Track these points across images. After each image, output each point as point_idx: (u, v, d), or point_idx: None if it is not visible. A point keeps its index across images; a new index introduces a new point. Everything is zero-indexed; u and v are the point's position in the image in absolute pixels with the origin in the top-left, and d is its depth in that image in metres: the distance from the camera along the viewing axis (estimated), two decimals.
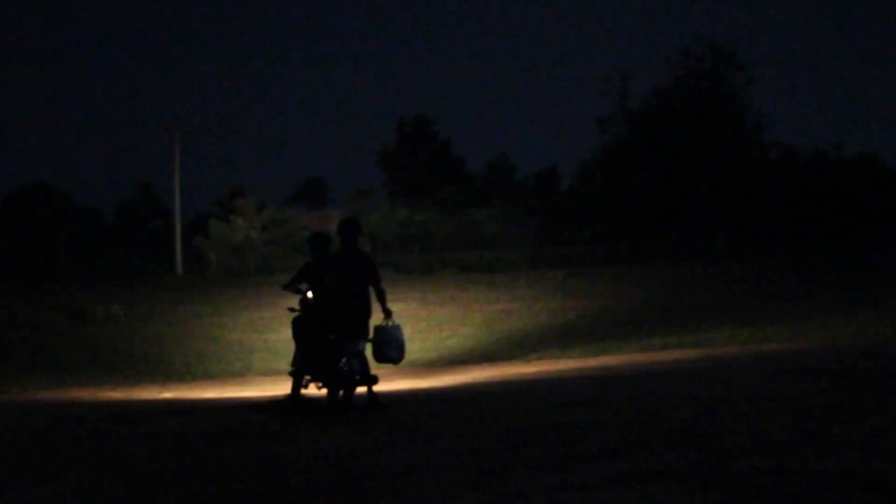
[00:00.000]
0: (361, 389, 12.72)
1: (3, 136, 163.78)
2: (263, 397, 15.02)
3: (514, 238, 69.49)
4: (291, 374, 13.62)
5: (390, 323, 12.82)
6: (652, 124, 65.44)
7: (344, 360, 12.54)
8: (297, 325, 13.67)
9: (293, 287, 13.66)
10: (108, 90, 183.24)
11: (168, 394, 17.28)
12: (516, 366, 19.39)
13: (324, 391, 12.96)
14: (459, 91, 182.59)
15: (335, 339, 12.69)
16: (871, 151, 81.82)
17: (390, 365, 13.20)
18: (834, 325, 21.73)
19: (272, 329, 27.94)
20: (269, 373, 20.56)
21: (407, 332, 13.87)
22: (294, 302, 13.76)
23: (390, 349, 12.80)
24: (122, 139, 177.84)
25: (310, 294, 13.49)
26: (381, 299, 12.85)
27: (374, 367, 12.92)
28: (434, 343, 25.33)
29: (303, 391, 13.48)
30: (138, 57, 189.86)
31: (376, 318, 12.76)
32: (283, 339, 22.41)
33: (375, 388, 12.84)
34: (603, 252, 62.25)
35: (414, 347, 19.76)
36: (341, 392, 12.50)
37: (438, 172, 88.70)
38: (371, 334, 12.75)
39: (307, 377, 13.39)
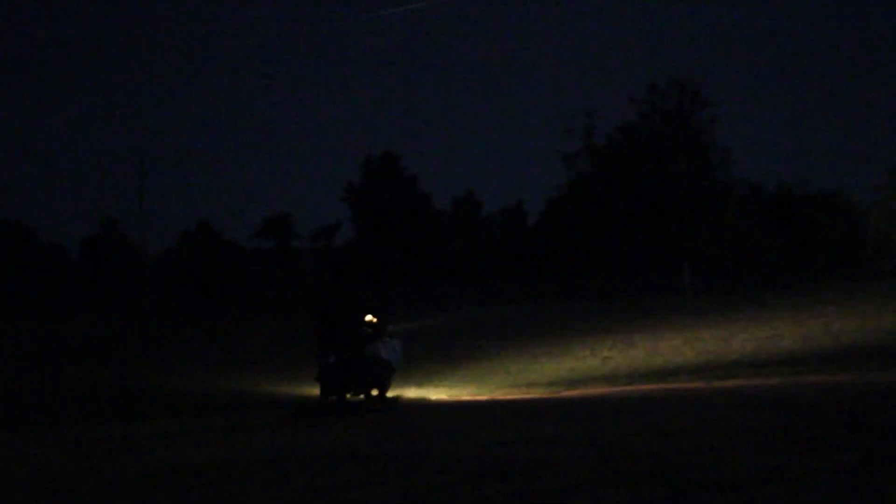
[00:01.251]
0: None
1: None
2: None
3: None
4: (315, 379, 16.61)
5: (379, 342, 16.43)
6: (617, 160, 65.71)
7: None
8: None
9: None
10: (72, 126, 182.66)
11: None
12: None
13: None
14: (425, 128, 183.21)
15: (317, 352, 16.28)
16: (835, 187, 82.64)
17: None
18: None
19: None
20: None
21: None
22: None
23: (371, 363, 16.29)
24: (86, 175, 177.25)
25: None
26: (372, 325, 16.59)
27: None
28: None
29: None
30: (102, 92, 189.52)
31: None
32: None
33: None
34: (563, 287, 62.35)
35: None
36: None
37: (405, 208, 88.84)
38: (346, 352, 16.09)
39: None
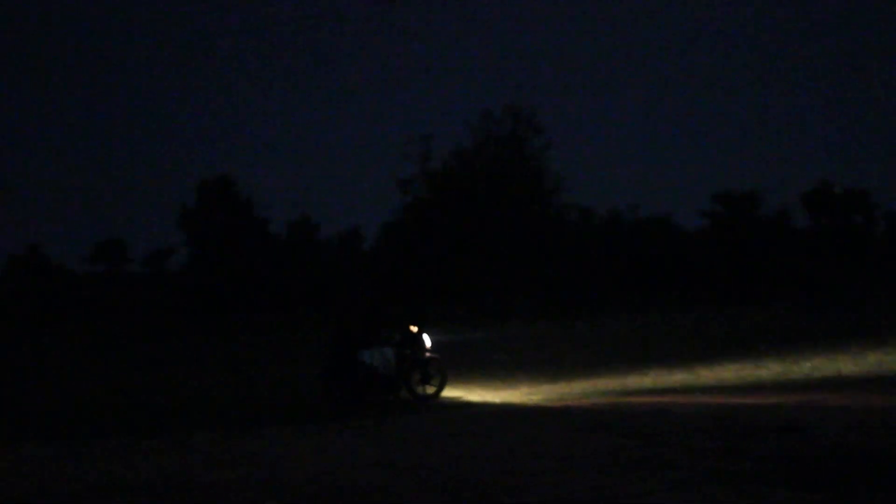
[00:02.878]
0: None
1: None
2: None
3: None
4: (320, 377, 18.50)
5: (367, 350, 18.09)
6: (452, 186, 66.15)
7: None
8: None
9: None
10: None
11: None
12: None
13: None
14: (260, 150, 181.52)
15: None
16: (664, 213, 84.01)
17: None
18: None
19: None
20: None
21: None
22: None
23: (358, 368, 18.10)
24: None
25: None
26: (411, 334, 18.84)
27: None
28: None
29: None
30: None
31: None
32: None
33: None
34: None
35: None
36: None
37: (241, 232, 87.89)
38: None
39: None
